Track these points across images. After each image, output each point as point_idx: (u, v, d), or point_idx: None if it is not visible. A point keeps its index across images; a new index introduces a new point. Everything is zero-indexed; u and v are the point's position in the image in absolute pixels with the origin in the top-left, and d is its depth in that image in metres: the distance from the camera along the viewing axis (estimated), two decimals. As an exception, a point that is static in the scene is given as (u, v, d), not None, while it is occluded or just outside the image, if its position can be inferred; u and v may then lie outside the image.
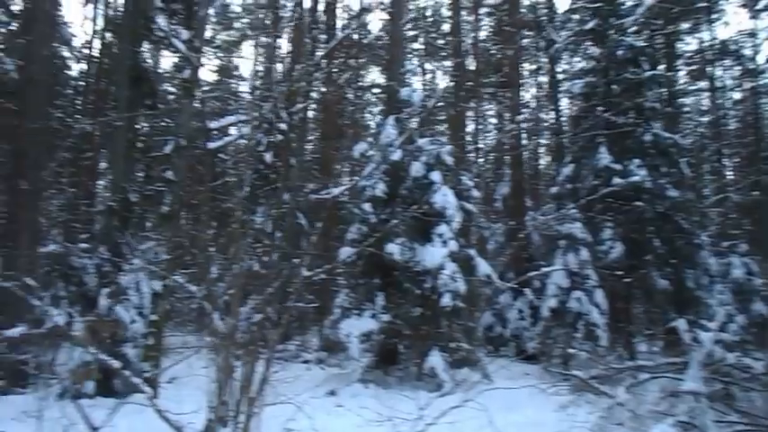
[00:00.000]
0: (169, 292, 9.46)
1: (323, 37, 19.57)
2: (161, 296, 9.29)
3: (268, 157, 13.54)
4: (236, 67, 25.16)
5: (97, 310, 9.38)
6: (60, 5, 11.71)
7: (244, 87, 24.14)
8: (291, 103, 12.68)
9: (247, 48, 26.61)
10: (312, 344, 14.31)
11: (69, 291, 10.81)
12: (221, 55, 23.65)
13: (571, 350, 11.22)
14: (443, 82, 23.08)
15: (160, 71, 12.62)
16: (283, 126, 12.77)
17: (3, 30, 14.88)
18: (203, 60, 15.05)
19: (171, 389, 8.65)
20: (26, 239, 9.64)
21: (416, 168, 11.31)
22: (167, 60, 16.26)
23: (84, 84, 19.99)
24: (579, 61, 17.51)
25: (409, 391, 9.35)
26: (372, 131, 18.95)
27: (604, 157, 13.31)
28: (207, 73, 23.93)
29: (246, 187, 10.06)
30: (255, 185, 12.84)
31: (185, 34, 10.01)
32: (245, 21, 23.58)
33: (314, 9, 18.27)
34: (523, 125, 17.56)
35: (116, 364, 5.66)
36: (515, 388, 7.61)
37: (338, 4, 20.24)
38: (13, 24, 15.03)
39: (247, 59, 28.86)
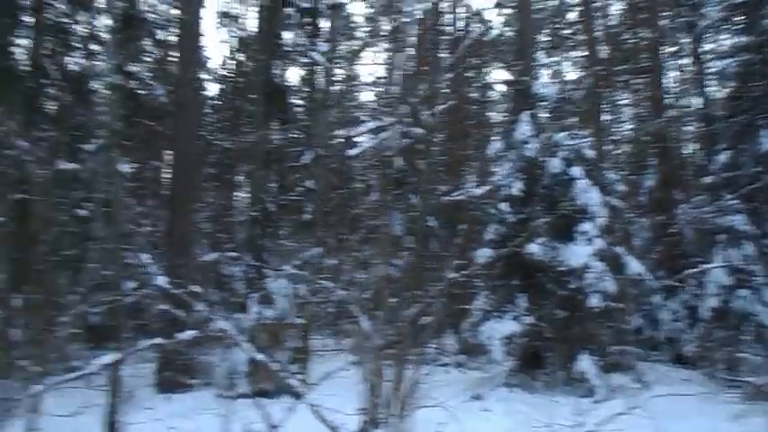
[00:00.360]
0: (314, 296, 9.76)
1: (445, 38, 19.52)
2: (307, 300, 9.60)
3: (399, 161, 13.65)
4: (361, 76, 25.70)
5: (247, 314, 9.89)
6: (202, 34, 12.54)
7: (370, 95, 24.61)
8: (431, 105, 12.63)
9: (370, 56, 27.04)
10: (449, 346, 14.13)
11: (222, 296, 11.50)
12: (346, 65, 24.25)
13: (739, 354, 10.17)
14: (573, 73, 22.06)
15: (288, 85, 13.13)
16: (418, 129, 12.74)
17: (150, 58, 16.28)
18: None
19: (317, 390, 8.88)
20: (182, 250, 10.39)
21: (554, 164, 10.82)
22: (293, 74, 16.94)
23: (220, 102, 21.42)
24: (727, 38, 15.93)
25: (559, 396, 8.95)
26: (500, 129, 18.55)
27: (768, 142, 11.97)
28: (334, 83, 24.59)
29: (380, 192, 10.22)
30: (388, 190, 12.98)
31: (324, 47, 10.30)
32: (366, 30, 24.03)
33: (436, 11, 18.22)
34: (669, 112, 16.24)
35: (274, 365, 5.86)
36: (684, 395, 7.02)
37: (459, 3, 20.00)
38: (158, 52, 16.43)
39: (375, 65, 29.26)
